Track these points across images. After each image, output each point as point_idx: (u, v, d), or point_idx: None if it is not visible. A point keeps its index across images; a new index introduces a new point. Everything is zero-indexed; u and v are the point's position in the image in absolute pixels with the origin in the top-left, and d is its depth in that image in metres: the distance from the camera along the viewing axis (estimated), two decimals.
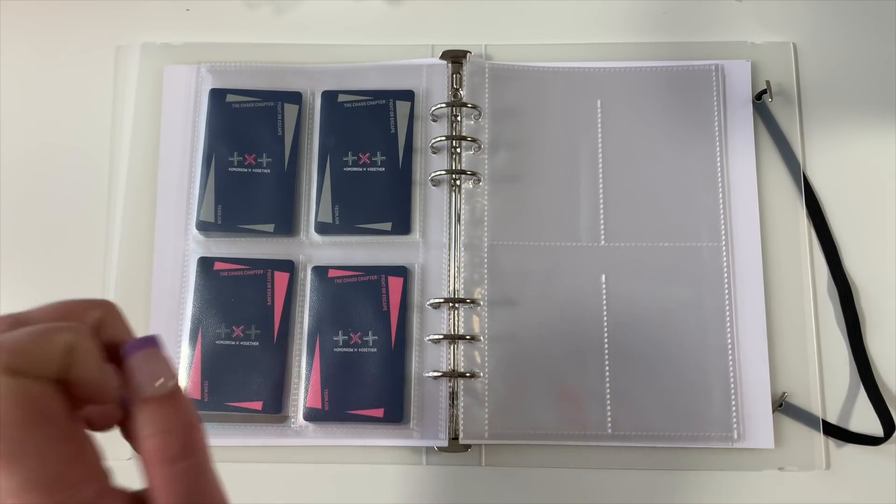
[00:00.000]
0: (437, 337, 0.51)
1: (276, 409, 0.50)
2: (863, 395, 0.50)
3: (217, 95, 0.54)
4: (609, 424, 0.49)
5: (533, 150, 0.54)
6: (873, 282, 0.52)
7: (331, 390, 0.50)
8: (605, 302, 0.51)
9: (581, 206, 0.53)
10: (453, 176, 0.53)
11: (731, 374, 0.50)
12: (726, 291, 0.51)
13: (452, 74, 0.55)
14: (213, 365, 0.50)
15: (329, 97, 0.54)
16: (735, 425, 0.49)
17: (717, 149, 0.54)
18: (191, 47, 0.56)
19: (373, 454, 0.50)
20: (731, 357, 0.50)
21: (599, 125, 0.54)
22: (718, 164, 0.53)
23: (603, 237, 0.52)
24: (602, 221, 0.53)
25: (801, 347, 0.51)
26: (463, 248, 0.52)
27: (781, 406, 0.49)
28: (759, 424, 0.49)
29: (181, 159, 0.54)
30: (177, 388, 0.27)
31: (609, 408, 0.50)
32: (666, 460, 0.50)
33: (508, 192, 0.53)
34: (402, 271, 0.52)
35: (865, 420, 0.50)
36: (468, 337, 0.50)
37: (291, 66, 0.56)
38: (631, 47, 0.56)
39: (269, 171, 0.53)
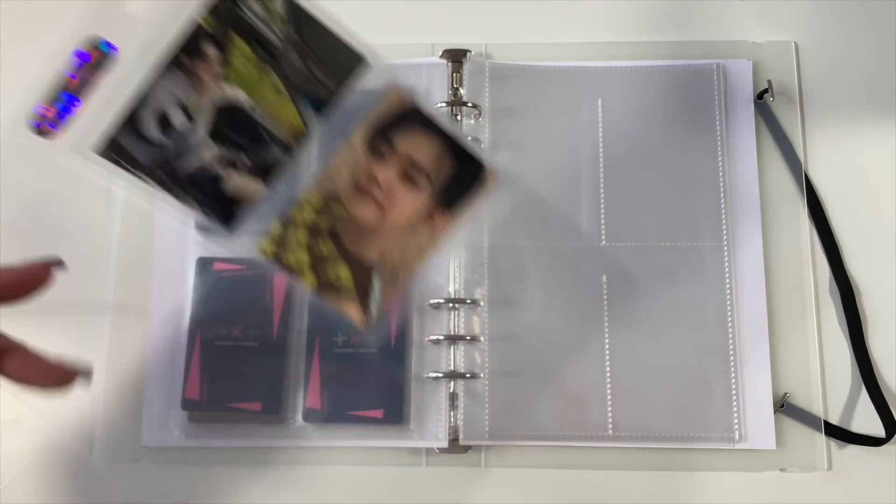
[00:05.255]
0: (437, 337, 0.50)
1: (275, 409, 0.50)
2: (864, 396, 0.50)
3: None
4: (610, 425, 0.49)
5: (533, 150, 0.54)
6: (875, 282, 0.52)
7: (330, 391, 0.50)
8: (605, 302, 0.51)
9: (582, 207, 0.53)
10: None
11: (733, 374, 0.50)
12: (727, 291, 0.51)
13: (452, 73, 0.55)
14: (212, 365, 0.50)
15: None
16: (736, 426, 0.49)
17: (719, 148, 0.53)
18: None
19: (372, 455, 0.50)
20: (732, 357, 0.50)
21: (600, 125, 0.54)
22: (720, 163, 0.53)
23: (604, 237, 0.52)
24: (603, 221, 0.52)
25: (802, 348, 0.51)
26: (463, 249, 0.52)
27: (783, 407, 0.49)
28: (760, 425, 0.49)
29: None
30: None
31: (610, 408, 0.49)
32: (667, 461, 0.49)
33: (509, 191, 0.53)
34: None
35: (867, 421, 0.50)
36: (468, 337, 0.50)
37: None
38: (632, 46, 0.56)
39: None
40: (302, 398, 0.50)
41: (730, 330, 0.50)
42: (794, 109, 0.55)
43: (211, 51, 0.40)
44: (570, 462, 0.50)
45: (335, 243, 0.41)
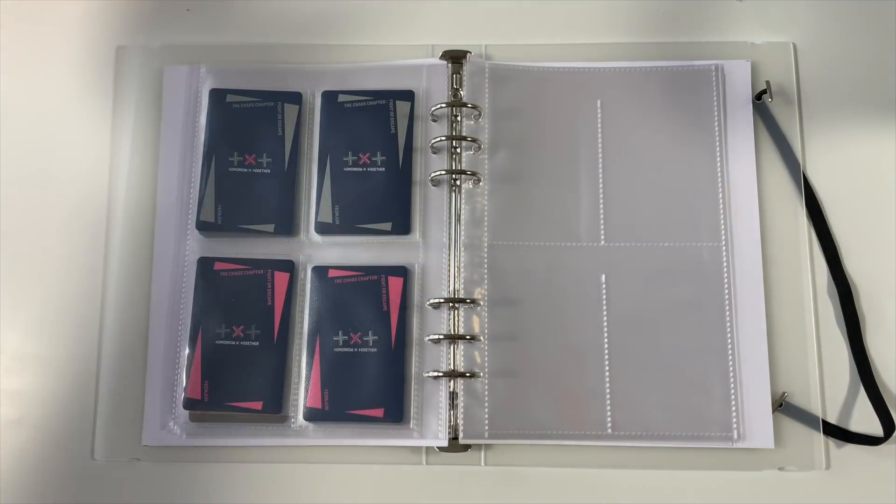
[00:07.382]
0: (437, 337, 0.50)
1: (276, 409, 0.50)
2: (863, 395, 0.50)
3: (217, 95, 0.54)
4: (609, 424, 0.49)
5: (533, 150, 0.54)
6: (873, 281, 0.52)
7: (331, 390, 0.50)
8: (605, 302, 0.51)
9: (581, 206, 0.53)
10: (453, 176, 0.53)
11: (731, 373, 0.50)
12: (726, 291, 0.51)
13: (452, 74, 0.55)
14: (213, 365, 0.50)
15: (329, 97, 0.54)
16: (735, 425, 0.49)
17: (717, 149, 0.54)
18: (191, 48, 0.56)
19: (373, 454, 0.50)
20: (730, 357, 0.50)
21: (599, 125, 0.54)
22: (718, 164, 0.53)
23: (603, 237, 0.52)
24: (602, 221, 0.53)
25: (800, 347, 0.51)
26: (463, 248, 0.52)
27: (781, 406, 0.49)
28: (758, 424, 0.49)
29: (181, 160, 0.54)
30: None
31: (609, 407, 0.50)
32: (666, 460, 0.49)
33: (508, 192, 0.53)
34: (402, 271, 0.52)
35: (865, 420, 0.50)
36: (468, 337, 0.50)
37: (291, 66, 0.56)
38: (631, 47, 0.56)
39: (269, 171, 0.53)
40: (303, 397, 0.50)
41: (728, 329, 0.51)
42: (792, 110, 0.55)
43: None
44: (569, 461, 0.50)
45: None
